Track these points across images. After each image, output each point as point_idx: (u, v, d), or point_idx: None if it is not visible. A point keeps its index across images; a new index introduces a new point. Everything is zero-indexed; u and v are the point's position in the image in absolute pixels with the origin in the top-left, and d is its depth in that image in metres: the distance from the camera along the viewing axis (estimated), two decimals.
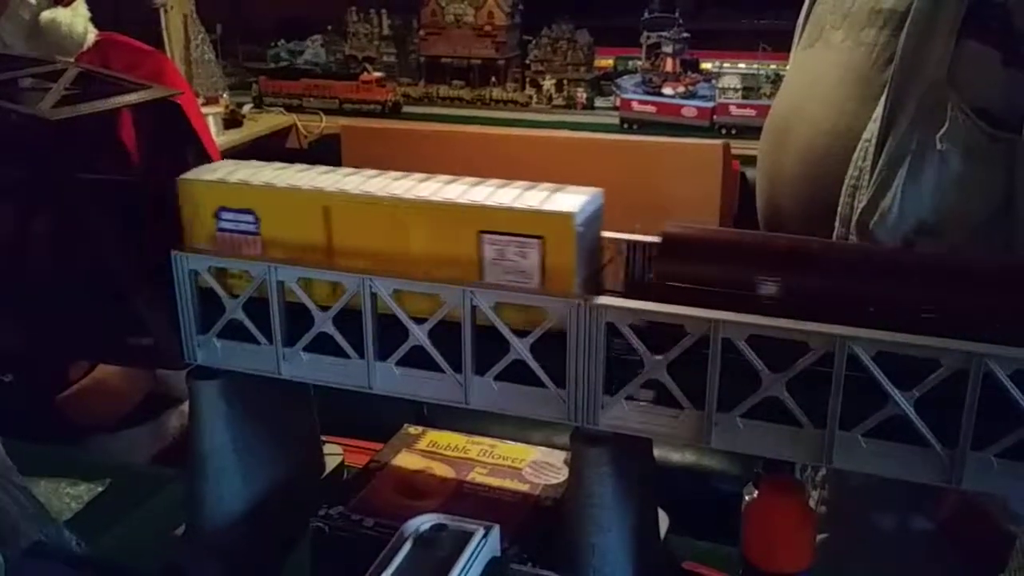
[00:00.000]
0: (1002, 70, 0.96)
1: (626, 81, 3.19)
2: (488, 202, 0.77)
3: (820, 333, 0.68)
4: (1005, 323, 0.65)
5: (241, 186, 0.84)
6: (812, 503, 1.22)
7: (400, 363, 0.81)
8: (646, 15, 3.15)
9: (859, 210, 1.02)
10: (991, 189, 0.97)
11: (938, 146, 0.97)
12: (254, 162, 0.89)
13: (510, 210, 0.76)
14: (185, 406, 1.25)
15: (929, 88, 0.97)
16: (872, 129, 1.02)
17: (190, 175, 0.86)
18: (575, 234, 0.74)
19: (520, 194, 0.78)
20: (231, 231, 0.84)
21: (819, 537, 1.20)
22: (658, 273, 0.76)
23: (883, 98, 1.01)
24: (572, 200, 0.76)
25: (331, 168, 0.88)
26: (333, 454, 1.08)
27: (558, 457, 0.99)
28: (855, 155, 1.04)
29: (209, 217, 0.85)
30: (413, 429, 1.06)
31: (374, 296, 0.79)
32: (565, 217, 0.74)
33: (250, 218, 0.83)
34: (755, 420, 0.72)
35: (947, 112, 0.96)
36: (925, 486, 0.69)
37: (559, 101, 3.31)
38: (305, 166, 0.87)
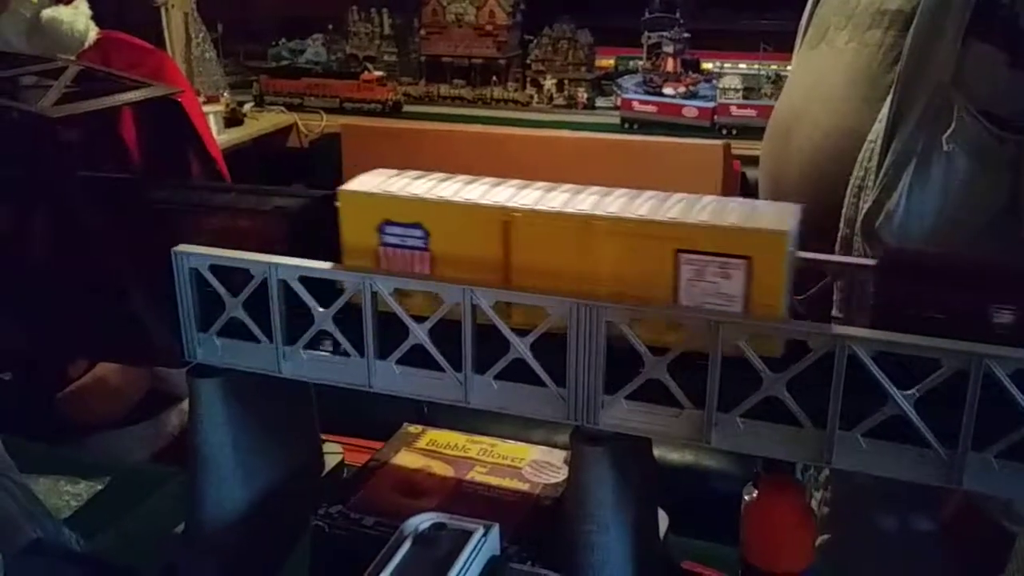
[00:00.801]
0: (1008, 71, 0.96)
1: (627, 81, 3.19)
2: (689, 219, 0.71)
3: (820, 334, 0.68)
4: None
5: (410, 199, 0.78)
6: (814, 504, 1.22)
7: (400, 362, 0.81)
8: (647, 15, 3.15)
9: (864, 211, 1.02)
10: (997, 190, 0.97)
11: (944, 147, 0.97)
12: (412, 172, 0.84)
13: (714, 228, 0.70)
14: (185, 404, 1.25)
15: (935, 89, 0.97)
16: (877, 130, 1.02)
17: (353, 186, 0.81)
18: (787, 254, 0.69)
19: (718, 209, 0.72)
20: (396, 246, 0.79)
21: (821, 538, 1.20)
22: (885, 299, 0.72)
23: (889, 99, 1.01)
24: (779, 217, 0.71)
25: (502, 180, 0.82)
26: (333, 453, 1.08)
27: (558, 456, 0.99)
28: (860, 156, 1.04)
29: (372, 231, 0.79)
30: (413, 428, 1.06)
31: (375, 295, 0.79)
32: (777, 236, 0.69)
33: (418, 233, 0.78)
34: (755, 420, 0.72)
35: (953, 113, 0.96)
36: (927, 487, 0.69)
37: (560, 101, 3.31)
38: (472, 177, 0.82)
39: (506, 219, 0.76)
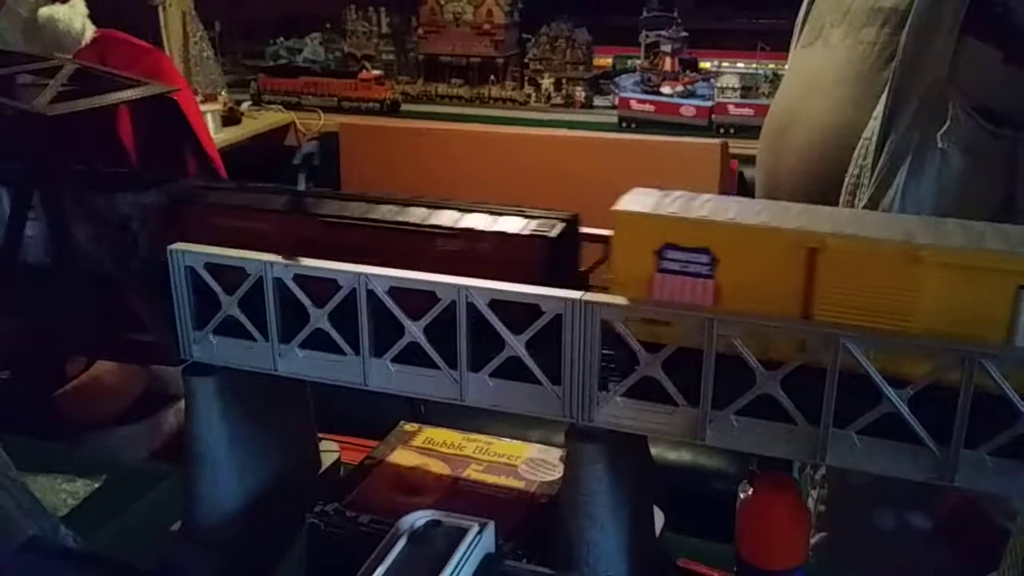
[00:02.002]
0: (1003, 68, 0.96)
1: (625, 80, 3.19)
2: None
3: (814, 331, 0.68)
4: None
5: (700, 221, 0.72)
6: (811, 502, 1.23)
7: (396, 360, 0.81)
8: (645, 14, 3.15)
9: (860, 208, 1.02)
10: (992, 187, 0.97)
11: (939, 144, 0.97)
12: (679, 191, 0.77)
13: None
14: (182, 403, 1.25)
15: (930, 86, 0.97)
16: (873, 127, 1.02)
17: (628, 206, 0.75)
18: None
19: None
20: (676, 272, 0.73)
21: (818, 536, 1.20)
22: None
23: (884, 96, 1.01)
24: None
25: (807, 206, 0.75)
26: (329, 451, 1.08)
27: (554, 454, 0.99)
28: (855, 153, 1.04)
29: (648, 255, 0.73)
30: (409, 426, 1.06)
31: (370, 293, 0.79)
32: None
33: (704, 259, 0.72)
34: (750, 417, 0.72)
35: (948, 110, 0.96)
36: (922, 485, 0.69)
37: (558, 100, 3.31)
38: (766, 202, 0.76)
39: (813, 246, 0.69)
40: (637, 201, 0.75)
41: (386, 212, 0.87)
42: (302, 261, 0.81)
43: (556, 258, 0.81)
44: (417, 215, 0.86)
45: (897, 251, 0.67)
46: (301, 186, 0.89)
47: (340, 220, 0.86)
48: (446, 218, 0.85)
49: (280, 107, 3.40)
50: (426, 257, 0.81)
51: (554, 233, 0.81)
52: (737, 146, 2.69)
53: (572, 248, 0.83)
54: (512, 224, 0.82)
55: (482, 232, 0.82)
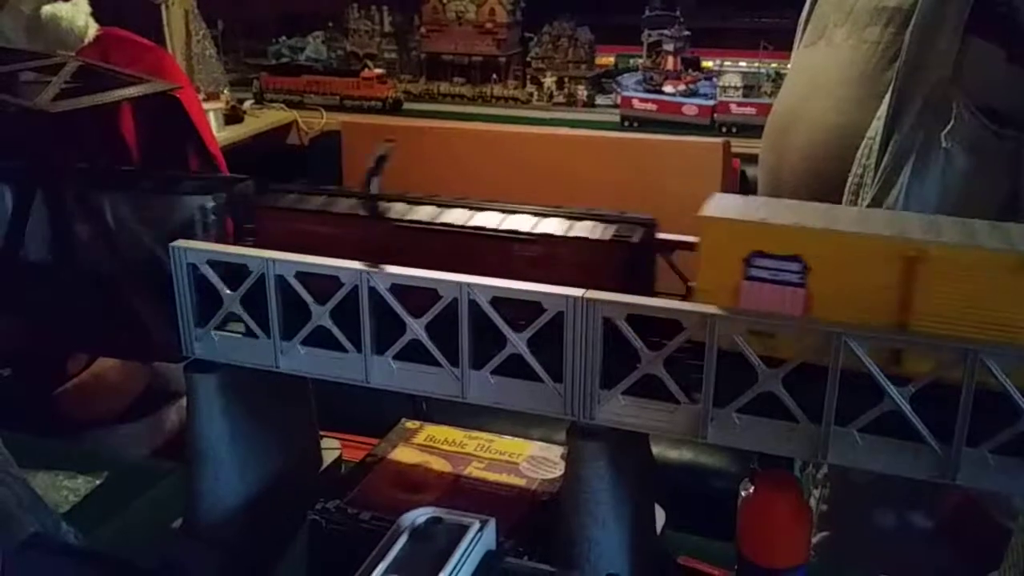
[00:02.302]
0: (1007, 67, 0.96)
1: (627, 79, 3.19)
2: None
3: (815, 329, 0.68)
4: None
5: (792, 228, 0.70)
6: (813, 502, 1.23)
7: (397, 357, 0.81)
8: (647, 13, 3.15)
9: (863, 208, 1.02)
10: (996, 186, 0.97)
11: (943, 144, 0.97)
12: (762, 197, 0.76)
13: None
14: (184, 400, 1.25)
15: (934, 86, 0.97)
16: (876, 127, 1.02)
17: (714, 212, 0.73)
18: None
19: None
20: (765, 280, 0.71)
21: (820, 535, 1.20)
22: None
23: (888, 96, 1.01)
24: None
25: (899, 213, 0.73)
26: (331, 449, 1.08)
27: (555, 452, 0.99)
28: (859, 153, 1.04)
29: (736, 263, 0.71)
30: (411, 424, 1.06)
31: (372, 290, 0.79)
32: None
33: (795, 267, 0.70)
34: (751, 415, 0.72)
35: (952, 110, 0.96)
36: (925, 484, 0.69)
37: (560, 98, 3.31)
38: (853, 208, 0.74)
39: (912, 255, 0.66)
40: (722, 207, 0.73)
41: (459, 216, 0.85)
42: (303, 258, 0.81)
43: (636, 263, 0.80)
44: (492, 220, 0.84)
45: (1005, 260, 0.64)
46: (375, 189, 0.87)
47: (415, 225, 0.85)
48: (524, 223, 0.83)
49: (282, 105, 3.41)
50: (504, 262, 0.80)
51: (636, 238, 0.80)
52: (739, 145, 2.69)
53: (650, 253, 0.82)
54: (591, 229, 0.81)
55: (562, 238, 0.81)
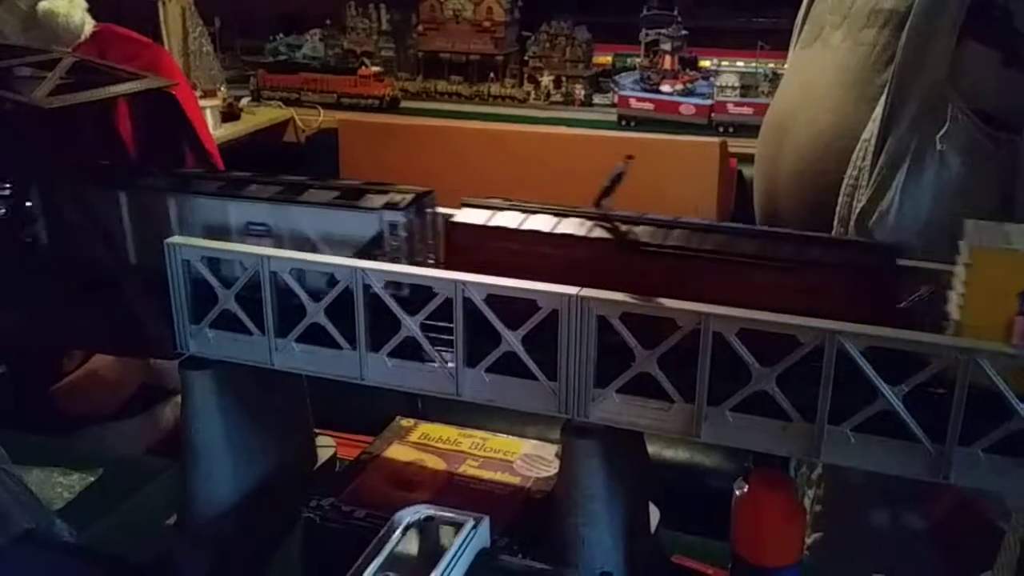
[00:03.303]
0: (1002, 71, 0.96)
1: (624, 78, 3.19)
2: None
3: (810, 328, 0.68)
4: None
5: None
6: (807, 502, 1.23)
7: (392, 354, 0.81)
8: (645, 12, 3.15)
9: (858, 210, 1.02)
10: (991, 190, 0.97)
11: (938, 146, 0.97)
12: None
13: None
14: (179, 398, 1.25)
15: (930, 88, 0.97)
16: (872, 129, 1.02)
17: (980, 242, 0.69)
18: None
19: None
20: None
21: (814, 536, 1.20)
22: None
23: (883, 98, 1.01)
24: None
25: None
26: (326, 446, 1.08)
27: (549, 450, 0.99)
28: (854, 155, 1.04)
29: (1010, 297, 0.67)
30: (405, 421, 1.07)
31: (367, 288, 0.79)
32: None
33: None
34: (745, 414, 0.72)
35: (947, 112, 0.96)
36: (919, 484, 0.69)
37: (557, 97, 3.31)
38: None
39: None
40: (986, 236, 0.68)
41: (688, 239, 0.80)
42: (298, 255, 0.82)
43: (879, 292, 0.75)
44: (743, 247, 0.78)
45: None
46: (610, 206, 0.81)
47: (649, 247, 0.80)
48: (781, 249, 0.78)
49: (279, 103, 3.41)
50: (754, 290, 0.74)
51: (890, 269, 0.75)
52: (736, 145, 2.70)
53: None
54: (846, 256, 0.77)
55: (829, 264, 0.76)
